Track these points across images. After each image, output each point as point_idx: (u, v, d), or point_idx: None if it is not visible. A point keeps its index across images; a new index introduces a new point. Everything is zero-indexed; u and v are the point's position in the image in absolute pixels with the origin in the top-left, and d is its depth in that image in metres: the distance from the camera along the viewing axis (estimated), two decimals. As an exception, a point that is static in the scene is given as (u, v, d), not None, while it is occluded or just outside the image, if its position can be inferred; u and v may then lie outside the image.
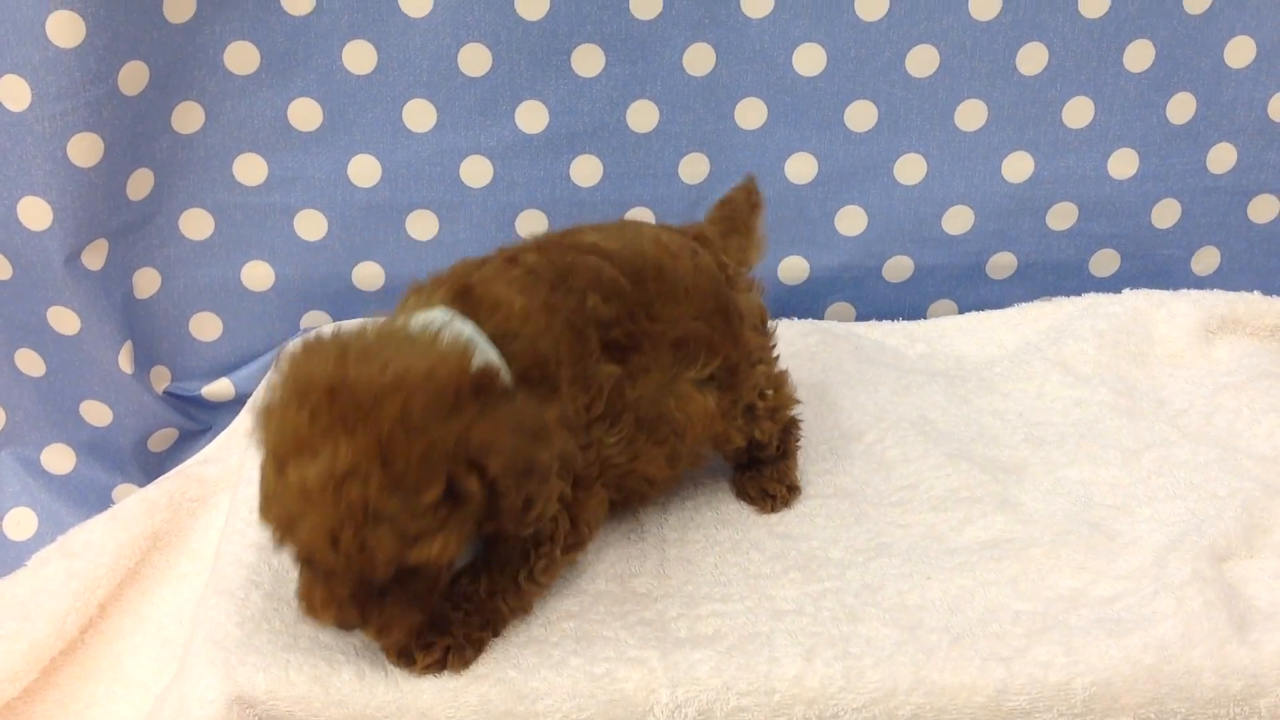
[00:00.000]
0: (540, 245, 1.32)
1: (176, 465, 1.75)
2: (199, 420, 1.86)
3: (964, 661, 1.22)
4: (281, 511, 1.05)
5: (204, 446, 1.80)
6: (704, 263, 1.37)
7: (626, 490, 1.32)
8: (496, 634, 1.24)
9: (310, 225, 1.80)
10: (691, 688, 1.21)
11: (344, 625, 1.12)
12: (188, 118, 1.72)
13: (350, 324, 1.16)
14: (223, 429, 1.80)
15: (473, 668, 1.21)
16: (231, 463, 1.67)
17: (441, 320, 1.16)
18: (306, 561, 1.09)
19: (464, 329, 1.16)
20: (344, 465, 1.01)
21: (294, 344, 1.11)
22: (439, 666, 1.20)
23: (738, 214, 1.50)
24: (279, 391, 1.07)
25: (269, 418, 1.07)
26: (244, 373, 1.84)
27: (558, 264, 1.27)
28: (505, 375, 1.14)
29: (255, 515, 1.09)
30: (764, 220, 1.53)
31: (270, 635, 1.23)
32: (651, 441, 1.29)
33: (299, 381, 1.06)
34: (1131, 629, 1.25)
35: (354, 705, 1.19)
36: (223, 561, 1.35)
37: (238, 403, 1.82)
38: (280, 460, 1.04)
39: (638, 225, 1.41)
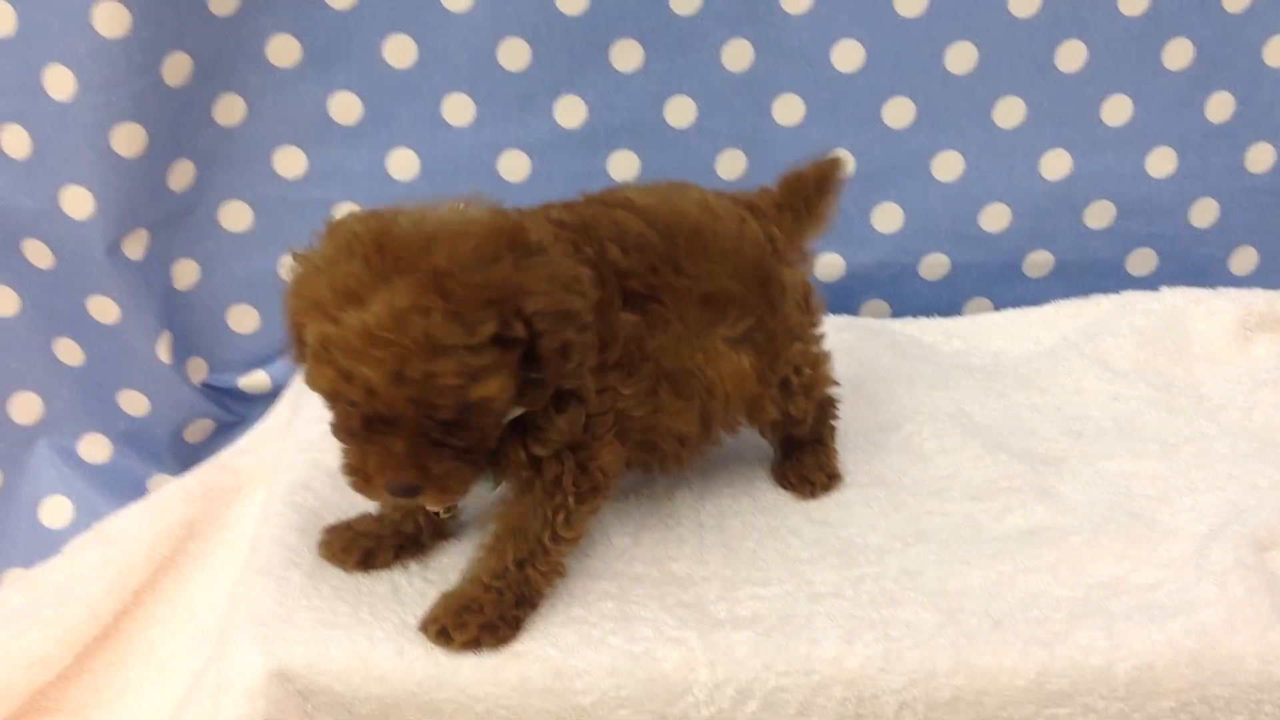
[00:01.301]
0: (571, 203, 1.33)
1: (212, 457, 1.76)
2: (235, 412, 1.87)
3: (1005, 645, 1.21)
4: (340, 361, 1.05)
5: (240, 438, 1.80)
6: (750, 230, 1.37)
7: (657, 449, 1.32)
8: (534, 606, 1.24)
9: (348, 219, 1.81)
10: (731, 667, 1.20)
11: (403, 487, 1.10)
12: (229, 110, 1.73)
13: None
14: (258, 420, 1.81)
15: (512, 646, 1.21)
16: (266, 454, 1.67)
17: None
18: (366, 420, 1.08)
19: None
20: (404, 302, 1.03)
21: (327, 221, 1.13)
22: (475, 645, 1.20)
23: (801, 191, 1.49)
24: (319, 254, 1.09)
25: (311, 280, 1.08)
26: (280, 365, 1.85)
27: (584, 216, 1.28)
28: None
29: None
30: (834, 203, 1.52)
31: (310, 612, 1.23)
32: (676, 396, 1.29)
33: (342, 239, 1.07)
34: (1174, 614, 1.24)
35: (393, 681, 1.19)
36: (262, 542, 1.35)
37: (274, 395, 1.83)
38: (332, 312, 1.05)
39: (685, 186, 1.40)
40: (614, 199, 1.33)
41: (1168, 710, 1.20)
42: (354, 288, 1.04)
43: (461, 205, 1.14)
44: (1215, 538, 1.34)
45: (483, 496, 1.26)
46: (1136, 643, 1.21)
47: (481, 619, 1.21)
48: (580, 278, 1.15)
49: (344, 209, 1.79)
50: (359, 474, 1.12)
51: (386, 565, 1.30)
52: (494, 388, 1.08)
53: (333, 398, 1.10)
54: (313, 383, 1.09)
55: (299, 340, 1.12)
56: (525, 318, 1.09)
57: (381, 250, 1.05)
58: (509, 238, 1.10)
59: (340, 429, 1.13)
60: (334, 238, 1.09)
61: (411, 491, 1.11)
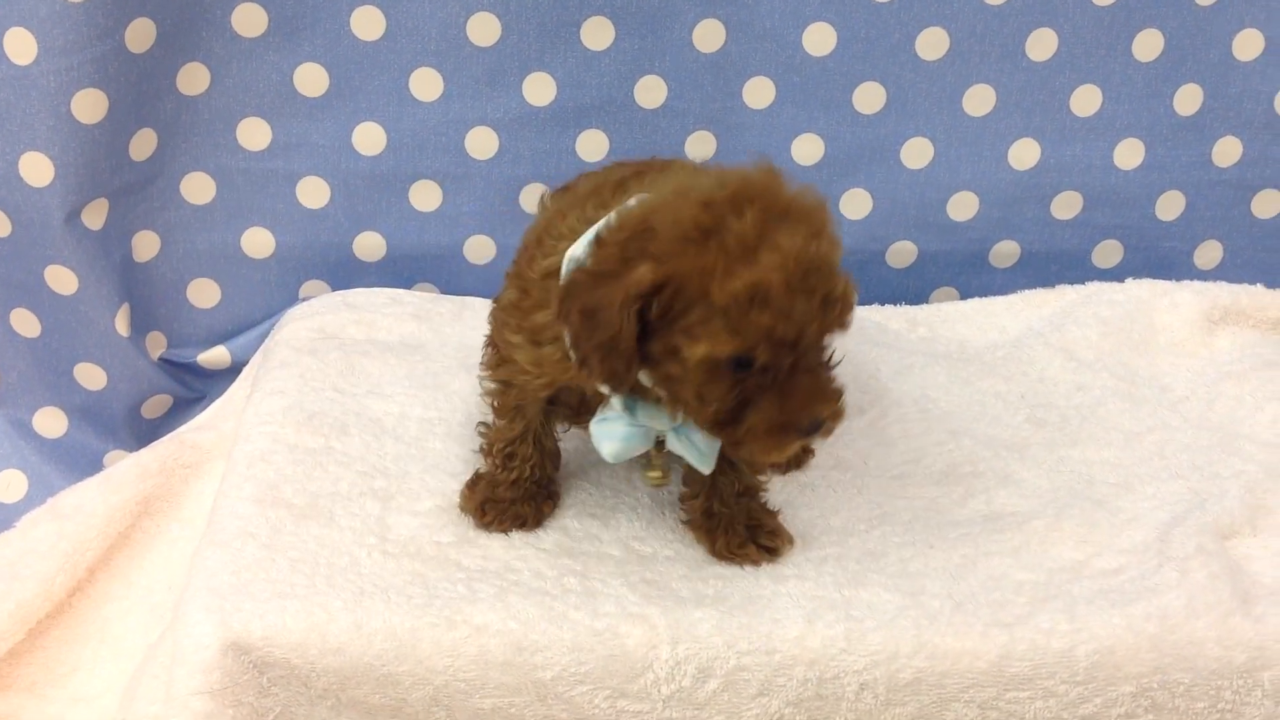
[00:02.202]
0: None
1: (170, 433, 1.73)
2: (194, 388, 1.85)
3: (966, 627, 1.21)
4: (776, 301, 1.06)
5: (198, 414, 1.78)
6: None
7: None
8: None
9: (313, 193, 1.79)
10: (692, 645, 1.20)
11: (838, 411, 1.14)
12: (193, 79, 1.71)
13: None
14: (217, 397, 1.79)
15: (472, 619, 1.19)
16: (225, 431, 1.65)
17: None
18: (792, 357, 1.10)
19: None
20: (804, 235, 1.08)
21: (626, 214, 1.13)
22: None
23: None
24: (689, 222, 1.08)
25: (690, 250, 1.07)
26: (241, 341, 1.83)
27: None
28: None
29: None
30: None
31: (267, 584, 1.22)
32: None
33: (701, 204, 1.08)
34: (1135, 599, 1.24)
35: (350, 653, 1.18)
36: (218, 515, 1.34)
37: (233, 371, 1.81)
38: (746, 263, 1.06)
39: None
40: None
41: (1127, 695, 1.21)
42: (758, 235, 1.07)
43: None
44: (1177, 525, 1.34)
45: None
46: (1097, 626, 1.21)
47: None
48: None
49: (309, 182, 1.78)
50: (780, 425, 1.12)
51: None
52: (855, 304, 1.14)
53: (763, 344, 1.08)
54: (740, 336, 1.08)
55: (633, 330, 1.09)
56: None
57: (752, 199, 1.08)
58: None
59: (731, 402, 1.12)
60: (685, 207, 1.09)
61: (819, 426, 1.13)
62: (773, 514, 1.34)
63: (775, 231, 1.07)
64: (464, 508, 1.35)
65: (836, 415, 1.14)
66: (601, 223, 1.15)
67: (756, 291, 1.06)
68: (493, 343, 1.32)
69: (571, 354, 1.14)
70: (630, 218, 1.12)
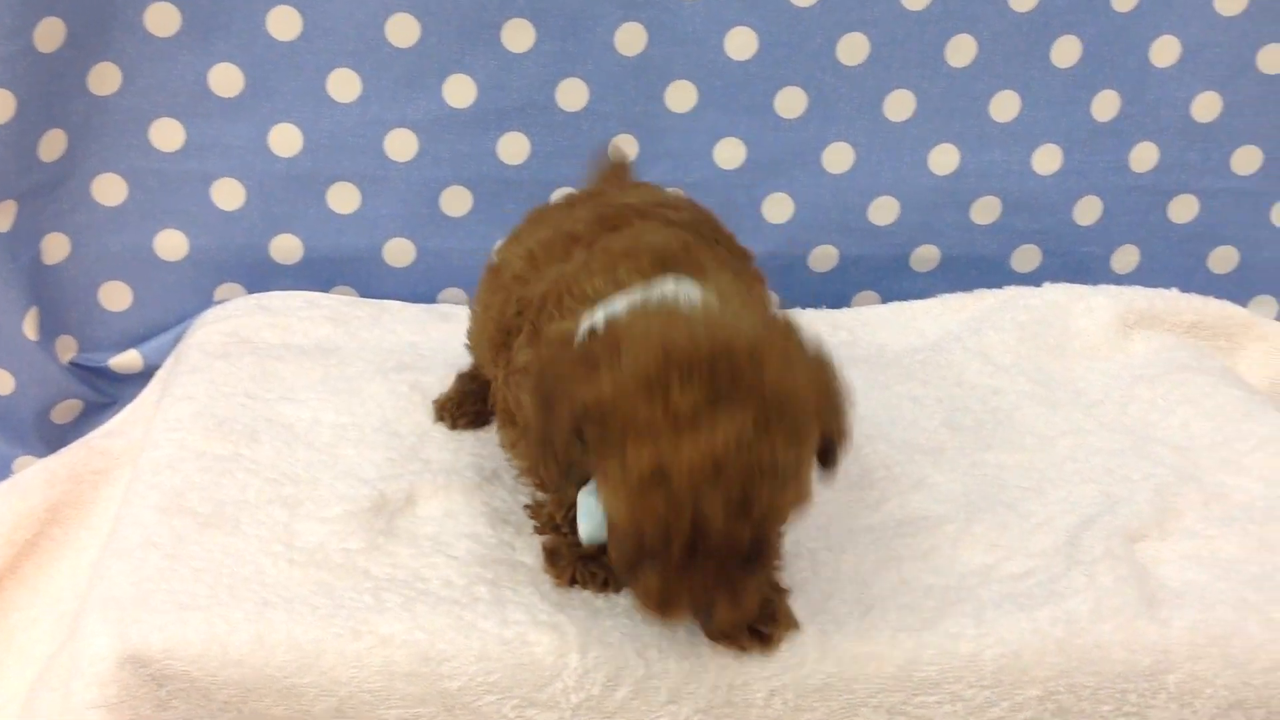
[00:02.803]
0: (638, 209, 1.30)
1: (79, 438, 1.70)
2: (105, 392, 1.82)
3: (874, 632, 1.21)
4: (678, 491, 0.97)
5: (109, 420, 1.75)
6: None
7: None
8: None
9: (228, 194, 1.77)
10: (602, 652, 1.18)
11: (704, 611, 1.05)
12: (104, 79, 1.68)
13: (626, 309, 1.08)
14: (129, 402, 1.76)
15: (378, 629, 1.18)
16: (136, 436, 1.63)
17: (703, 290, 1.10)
18: (687, 547, 1.00)
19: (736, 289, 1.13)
20: (749, 428, 0.97)
21: (614, 320, 1.06)
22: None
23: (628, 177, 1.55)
24: (632, 365, 0.99)
25: (629, 396, 0.99)
26: (153, 345, 1.80)
27: (693, 223, 1.29)
28: None
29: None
30: None
31: (167, 594, 1.19)
32: None
33: (655, 352, 0.99)
34: (1042, 603, 1.25)
35: (252, 665, 1.15)
36: (121, 524, 1.31)
37: (145, 375, 1.78)
38: (668, 439, 0.97)
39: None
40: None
41: (1034, 699, 1.21)
42: (692, 415, 0.97)
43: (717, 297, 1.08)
44: (1086, 528, 1.35)
45: None
46: (1004, 630, 1.22)
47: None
48: (830, 356, 1.10)
49: (224, 184, 1.75)
50: (662, 603, 1.04)
51: None
52: (810, 499, 1.04)
53: (652, 529, 1.00)
54: (632, 510, 1.00)
55: (571, 441, 1.02)
56: (836, 419, 1.06)
57: (714, 372, 0.98)
58: (797, 331, 1.07)
59: (633, 559, 1.04)
60: (644, 349, 1.00)
61: (700, 620, 1.08)
62: (783, 592, 1.21)
63: (715, 418, 0.96)
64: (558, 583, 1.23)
65: (730, 621, 1.07)
66: (613, 306, 1.08)
67: (659, 473, 0.97)
68: (508, 418, 1.23)
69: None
70: (623, 325, 1.04)
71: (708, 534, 0.99)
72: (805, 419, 1.01)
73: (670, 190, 1.46)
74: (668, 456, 0.97)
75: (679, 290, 1.09)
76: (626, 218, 1.26)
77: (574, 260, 1.20)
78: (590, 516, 1.13)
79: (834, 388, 1.08)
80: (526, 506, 1.25)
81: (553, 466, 1.05)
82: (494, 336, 1.29)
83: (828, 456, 1.08)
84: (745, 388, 0.98)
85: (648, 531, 1.00)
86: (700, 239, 1.25)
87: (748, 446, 0.97)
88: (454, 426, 1.49)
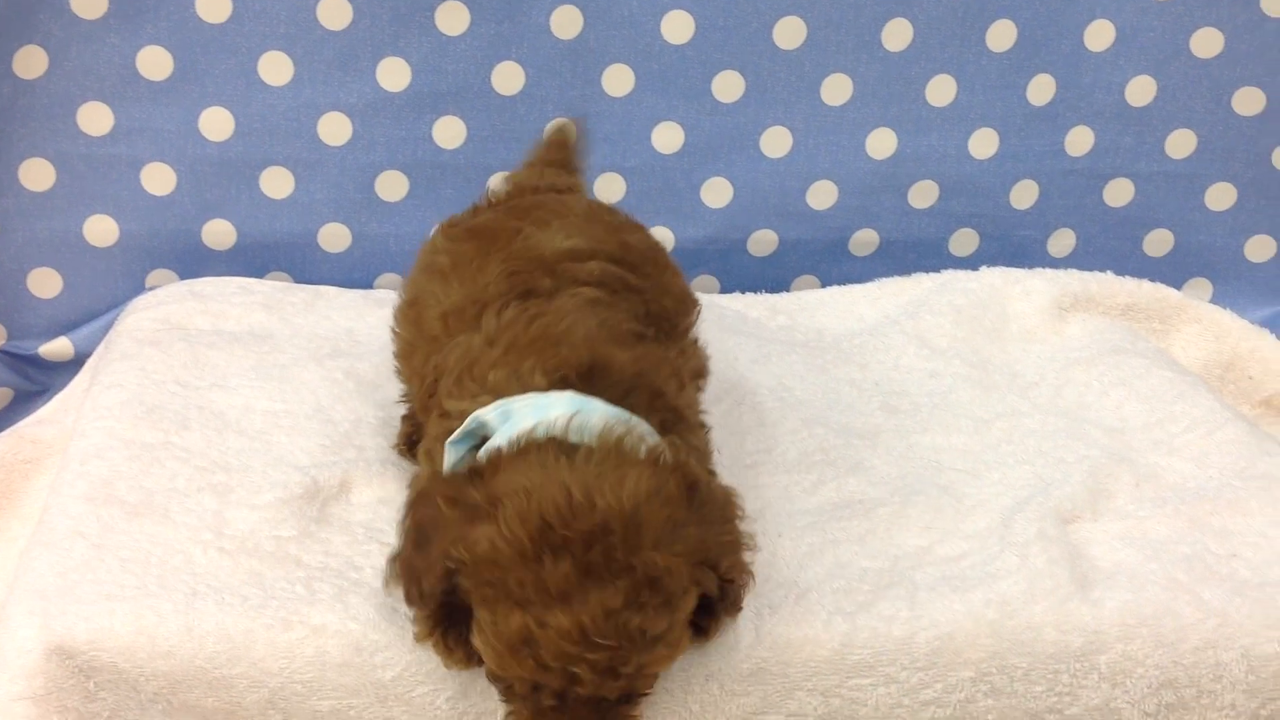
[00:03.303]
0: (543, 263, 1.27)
1: (9, 427, 1.68)
2: (35, 380, 1.79)
3: (809, 615, 1.21)
4: (545, 658, 1.00)
5: (40, 408, 1.72)
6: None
7: None
8: None
9: (158, 179, 1.74)
10: (535, 640, 1.18)
11: None
12: (29, 62, 1.66)
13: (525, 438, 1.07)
14: (60, 390, 1.73)
15: (310, 619, 1.17)
16: (67, 424, 1.60)
17: (616, 423, 1.09)
18: (556, 696, 1.04)
19: (638, 426, 1.11)
20: (618, 603, 1.00)
21: (498, 461, 1.06)
22: None
23: (567, 162, 1.53)
24: (507, 531, 1.01)
25: (504, 564, 1.01)
26: (84, 332, 1.78)
27: (604, 278, 1.26)
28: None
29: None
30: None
31: (94, 585, 1.18)
32: None
33: (534, 525, 1.01)
34: (975, 585, 1.25)
35: (181, 656, 1.14)
36: (48, 514, 1.29)
37: (76, 363, 1.76)
38: (538, 611, 1.00)
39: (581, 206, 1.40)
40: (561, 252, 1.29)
41: (967, 680, 1.21)
42: (564, 588, 1.00)
43: (616, 435, 1.08)
44: (1020, 510, 1.36)
45: None
46: (938, 613, 1.22)
47: None
48: (732, 498, 1.13)
49: (154, 169, 1.73)
50: None
51: None
52: (684, 649, 1.08)
53: (520, 684, 1.05)
54: (502, 668, 1.04)
55: (441, 582, 1.05)
56: (720, 574, 1.08)
57: (590, 548, 1.00)
58: (685, 488, 1.07)
59: (505, 696, 1.09)
60: (520, 519, 1.01)
61: None
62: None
63: (587, 592, 0.99)
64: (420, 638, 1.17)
65: None
66: (520, 426, 1.09)
67: (529, 639, 1.00)
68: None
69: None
70: (505, 474, 1.05)
71: (576, 691, 1.03)
72: (678, 588, 1.04)
73: (595, 212, 1.39)
74: (535, 626, 1.00)
75: (574, 421, 1.09)
76: (537, 279, 1.25)
77: (483, 328, 1.20)
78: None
79: (725, 535, 1.09)
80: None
81: (416, 596, 1.08)
82: (419, 396, 1.29)
83: (725, 596, 1.11)
84: (618, 565, 1.01)
85: (516, 685, 1.05)
86: (613, 296, 1.24)
87: (617, 618, 1.00)
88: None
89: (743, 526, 1.12)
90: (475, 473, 1.07)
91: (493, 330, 1.19)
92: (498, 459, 1.07)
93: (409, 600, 1.10)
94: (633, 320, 1.25)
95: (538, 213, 1.35)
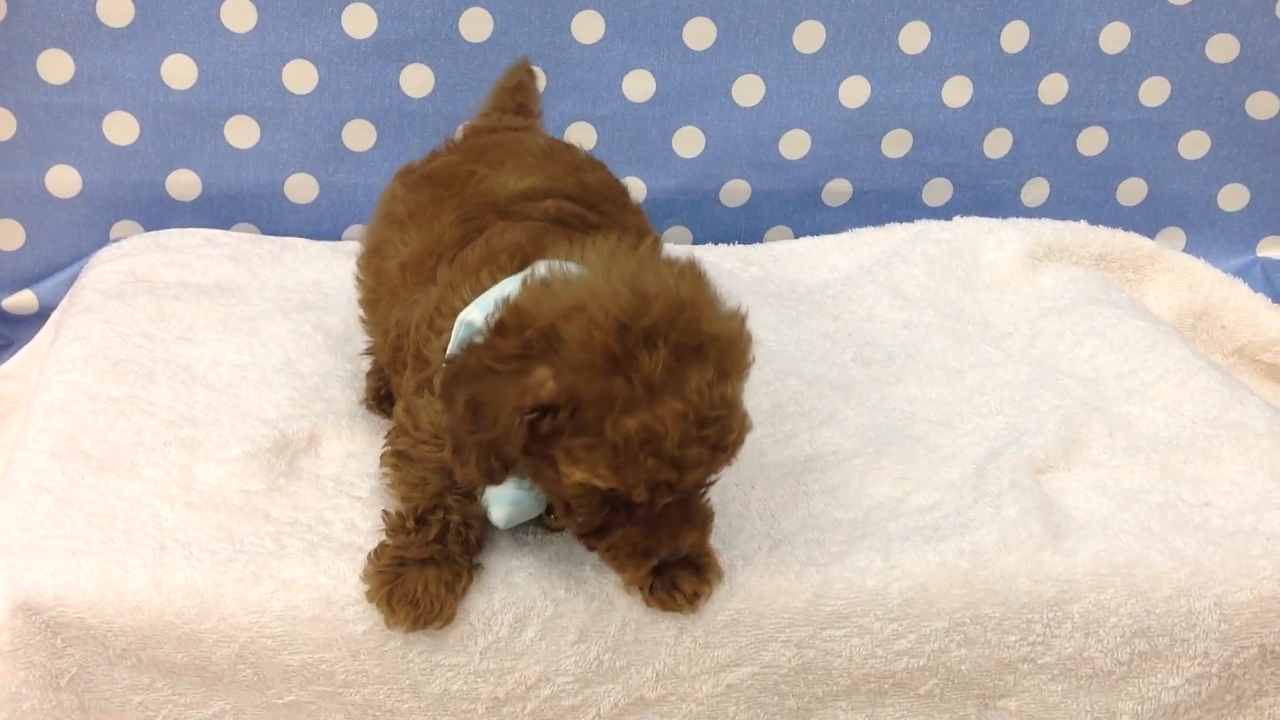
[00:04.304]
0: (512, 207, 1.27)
1: (-26, 382, 1.66)
2: (-1, 334, 1.77)
3: (782, 567, 1.21)
4: (667, 449, 1.02)
5: (4, 362, 1.70)
6: None
7: None
8: None
9: (121, 128, 1.71)
10: (508, 594, 1.18)
11: (677, 547, 1.10)
12: (-13, 9, 1.62)
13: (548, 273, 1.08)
14: (25, 344, 1.71)
15: (279, 574, 1.16)
16: (32, 379, 1.57)
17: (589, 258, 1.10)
18: (650, 502, 1.06)
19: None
20: (709, 378, 1.03)
21: (518, 304, 1.06)
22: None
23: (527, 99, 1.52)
24: (586, 348, 1.02)
25: (595, 376, 1.01)
26: (48, 285, 1.76)
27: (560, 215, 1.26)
28: None
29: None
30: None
31: (60, 540, 1.16)
32: None
33: (614, 330, 1.02)
34: (948, 535, 1.25)
35: (149, 612, 1.13)
36: (12, 469, 1.27)
37: (41, 316, 1.73)
38: (646, 405, 1.01)
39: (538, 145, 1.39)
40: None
41: (941, 630, 1.22)
42: (664, 377, 1.02)
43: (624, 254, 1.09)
44: (993, 460, 1.36)
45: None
46: (911, 563, 1.22)
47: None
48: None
49: (116, 117, 1.70)
50: (645, 551, 1.09)
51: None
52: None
53: (641, 487, 1.04)
54: (624, 480, 1.03)
55: (521, 437, 1.03)
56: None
57: (669, 332, 1.02)
58: (702, 274, 1.10)
59: (607, 521, 1.09)
60: (595, 327, 1.02)
61: (678, 555, 1.13)
62: (710, 548, 1.21)
63: (684, 373, 1.02)
64: (370, 596, 1.16)
65: (698, 543, 1.13)
66: (504, 292, 1.08)
67: (650, 436, 1.01)
68: (400, 433, 1.21)
69: (446, 438, 1.08)
70: (538, 310, 1.04)
71: (688, 479, 1.05)
72: (743, 353, 1.08)
73: (552, 151, 1.37)
74: (655, 420, 1.01)
75: (559, 268, 1.08)
76: (490, 223, 1.24)
77: (439, 280, 1.20)
78: (516, 503, 1.16)
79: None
80: (384, 512, 1.20)
81: (497, 465, 1.05)
82: (385, 349, 1.28)
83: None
84: (698, 342, 1.04)
85: (635, 490, 1.05)
86: (565, 228, 1.24)
87: (716, 390, 1.03)
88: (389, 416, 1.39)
89: None
90: (500, 329, 1.05)
91: (447, 275, 1.19)
92: (515, 307, 1.06)
93: (489, 480, 1.06)
94: None
95: (493, 153, 1.34)
